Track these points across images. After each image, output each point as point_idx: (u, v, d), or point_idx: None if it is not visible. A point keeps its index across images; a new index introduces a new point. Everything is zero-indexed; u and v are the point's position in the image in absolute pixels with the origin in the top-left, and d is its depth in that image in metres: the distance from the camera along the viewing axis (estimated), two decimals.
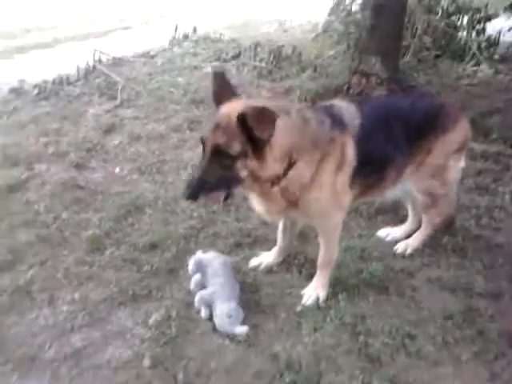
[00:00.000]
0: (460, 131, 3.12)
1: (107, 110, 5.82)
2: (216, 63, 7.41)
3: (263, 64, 7.15)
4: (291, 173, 2.59)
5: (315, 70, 6.76)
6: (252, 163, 2.44)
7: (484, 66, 6.88)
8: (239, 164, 2.42)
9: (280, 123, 2.43)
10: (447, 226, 3.51)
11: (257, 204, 2.82)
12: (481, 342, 2.69)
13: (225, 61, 7.51)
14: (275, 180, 2.58)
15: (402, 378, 2.48)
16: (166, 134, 5.17)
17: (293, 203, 2.70)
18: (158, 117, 5.60)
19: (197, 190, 2.45)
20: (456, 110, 3.20)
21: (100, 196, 4.04)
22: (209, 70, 7.08)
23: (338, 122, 2.76)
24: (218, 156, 2.41)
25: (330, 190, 2.75)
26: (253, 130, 2.33)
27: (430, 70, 6.85)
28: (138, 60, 7.82)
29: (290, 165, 2.57)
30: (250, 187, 2.63)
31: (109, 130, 5.25)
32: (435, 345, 2.69)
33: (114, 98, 6.14)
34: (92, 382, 2.47)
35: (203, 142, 2.47)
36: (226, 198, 2.54)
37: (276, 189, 2.62)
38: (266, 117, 2.36)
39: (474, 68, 6.91)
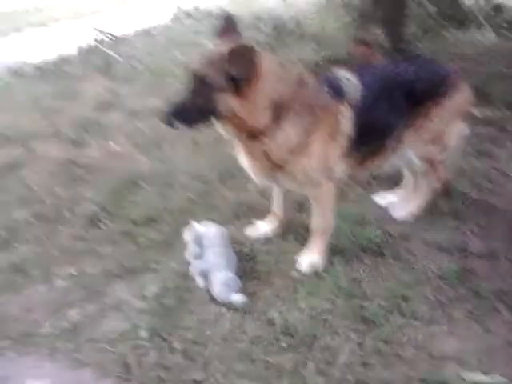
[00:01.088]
0: (461, 97, 3.08)
1: (106, 88, 5.81)
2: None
3: (265, 38, 7.06)
4: (277, 132, 2.57)
5: (318, 43, 6.67)
6: (232, 100, 2.43)
7: (489, 34, 6.75)
8: (220, 97, 2.42)
9: (269, 70, 2.46)
10: (444, 191, 3.48)
11: (243, 160, 2.83)
12: (475, 300, 2.70)
13: None
14: (257, 134, 2.57)
15: (396, 337, 2.50)
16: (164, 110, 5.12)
17: (278, 167, 2.69)
18: (156, 93, 5.56)
19: (175, 115, 2.51)
20: (457, 76, 3.15)
21: (97, 173, 4.04)
22: (210, 46, 6.99)
23: (337, 91, 2.75)
24: (200, 86, 2.44)
25: (321, 160, 2.73)
26: (228, 65, 2.37)
27: (434, 39, 6.73)
28: (138, 38, 7.77)
29: (275, 122, 2.55)
30: (232, 132, 2.62)
31: (107, 108, 5.25)
32: (429, 305, 2.69)
33: (113, 75, 6.14)
34: (89, 356, 2.49)
35: (190, 71, 2.49)
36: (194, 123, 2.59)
37: (259, 146, 2.62)
38: (243, 54, 2.38)
39: (480, 36, 6.78)
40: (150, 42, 7.54)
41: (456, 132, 3.16)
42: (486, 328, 2.53)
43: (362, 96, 2.80)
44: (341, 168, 2.88)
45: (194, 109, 2.49)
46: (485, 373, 2.28)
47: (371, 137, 2.91)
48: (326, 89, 2.71)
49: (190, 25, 8.59)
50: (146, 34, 7.97)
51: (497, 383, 2.23)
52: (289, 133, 2.59)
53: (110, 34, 7.62)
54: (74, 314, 2.73)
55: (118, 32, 7.79)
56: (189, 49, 7.09)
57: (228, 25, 2.65)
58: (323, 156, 2.73)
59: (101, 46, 7.10)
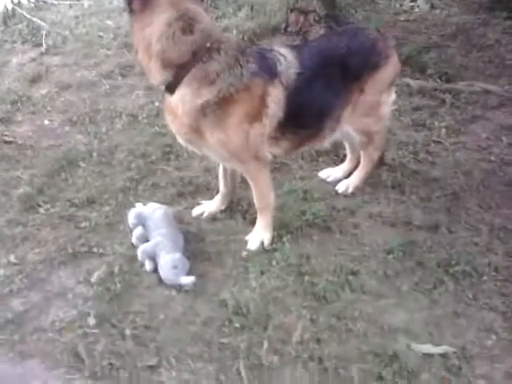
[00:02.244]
0: (391, 66, 3.11)
1: (32, 58, 5.43)
2: None
3: None
4: (177, 90, 2.58)
5: (252, 9, 6.51)
6: (131, 23, 2.58)
7: (421, 2, 6.85)
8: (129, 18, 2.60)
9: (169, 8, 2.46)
10: (380, 161, 3.54)
11: (166, 117, 2.82)
12: (420, 272, 2.79)
13: None
14: (166, 87, 2.62)
15: (347, 312, 2.55)
16: (97, 82, 4.90)
17: (194, 131, 2.66)
18: (87, 63, 5.28)
19: None
20: (387, 46, 3.17)
21: (30, 151, 3.82)
22: None
23: (267, 69, 2.66)
24: None
25: (240, 138, 2.66)
26: None
27: (367, 6, 6.76)
28: (62, 3, 7.28)
29: (177, 79, 2.55)
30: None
31: (35, 80, 4.92)
32: (377, 279, 2.76)
33: (39, 44, 5.72)
34: (36, 346, 2.39)
35: None
36: None
37: (170, 102, 2.65)
38: None
39: (411, 3, 6.88)
40: (75, 7, 7.08)
41: (388, 101, 3.23)
42: (432, 299, 2.63)
43: (298, 75, 2.74)
44: (271, 149, 2.85)
45: None
46: (434, 344, 2.38)
47: (309, 119, 2.89)
48: (253, 64, 2.61)
49: None
50: None
51: (445, 353, 2.33)
52: (184, 95, 2.56)
53: None
54: (17, 303, 2.59)
55: None
56: (116, 13, 6.75)
57: None
58: (242, 134, 2.66)
59: (20, 10, 6.58)
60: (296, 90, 2.72)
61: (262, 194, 2.96)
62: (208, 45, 2.53)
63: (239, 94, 2.58)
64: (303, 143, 3.03)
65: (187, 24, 2.48)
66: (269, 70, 2.67)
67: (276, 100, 2.68)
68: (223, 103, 2.57)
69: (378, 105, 3.14)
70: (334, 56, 2.90)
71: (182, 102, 2.58)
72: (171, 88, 2.59)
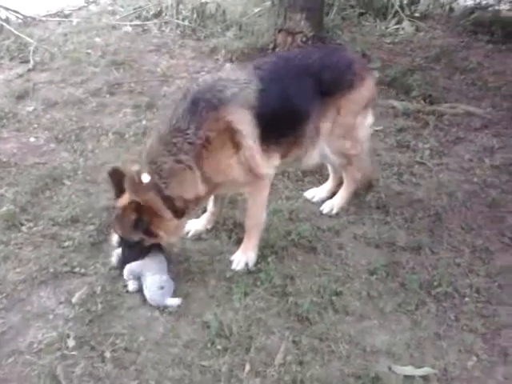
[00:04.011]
0: (366, 88, 3.15)
1: (19, 75, 5.42)
2: (136, 22, 7.06)
3: (186, 22, 6.88)
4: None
5: (240, 29, 6.61)
6: (151, 239, 2.75)
7: (406, 24, 6.97)
8: (145, 242, 2.75)
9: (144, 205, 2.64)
10: (368, 185, 3.58)
11: None
12: (403, 293, 2.81)
13: (146, 19, 7.12)
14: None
15: (330, 334, 2.55)
16: (84, 99, 4.89)
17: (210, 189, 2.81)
18: (74, 80, 5.28)
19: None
20: (363, 68, 3.22)
21: (14, 169, 3.79)
22: (129, 29, 6.80)
23: (215, 102, 2.67)
24: (128, 243, 2.76)
25: (239, 168, 2.76)
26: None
27: (354, 28, 6.89)
28: (51, 19, 7.28)
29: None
30: None
31: (21, 96, 4.91)
32: (361, 299, 2.77)
33: (26, 61, 5.72)
34: (11, 370, 2.34)
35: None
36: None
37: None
38: (123, 219, 2.66)
39: (397, 26, 7.00)
40: (63, 24, 7.10)
41: (364, 124, 3.24)
42: (414, 321, 2.65)
43: (259, 91, 2.75)
44: (268, 162, 2.88)
45: (135, 255, 2.79)
46: (415, 365, 2.39)
47: (285, 128, 2.91)
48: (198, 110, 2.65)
49: (104, 5, 8.18)
50: (59, 15, 7.48)
51: (426, 375, 2.33)
52: (184, 185, 2.68)
53: (17, 12, 7.07)
54: None
55: (29, 12, 7.25)
56: (105, 31, 6.76)
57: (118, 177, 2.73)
58: (241, 164, 2.75)
59: (8, 26, 6.57)
60: (262, 104, 2.74)
61: (257, 212, 2.99)
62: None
63: (209, 140, 2.64)
64: (288, 152, 3.03)
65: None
66: (218, 102, 2.67)
67: (240, 121, 2.70)
68: (206, 157, 2.66)
69: (353, 127, 3.15)
70: (303, 66, 2.96)
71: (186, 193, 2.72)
72: (179, 213, 2.75)
